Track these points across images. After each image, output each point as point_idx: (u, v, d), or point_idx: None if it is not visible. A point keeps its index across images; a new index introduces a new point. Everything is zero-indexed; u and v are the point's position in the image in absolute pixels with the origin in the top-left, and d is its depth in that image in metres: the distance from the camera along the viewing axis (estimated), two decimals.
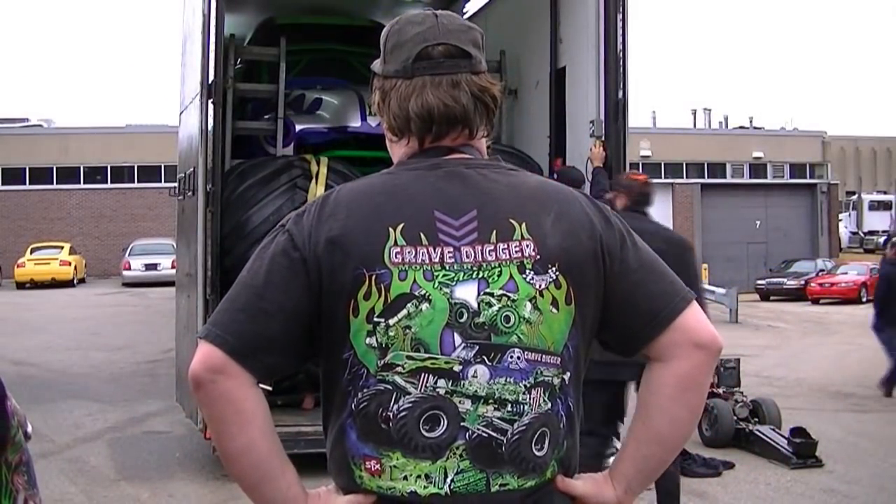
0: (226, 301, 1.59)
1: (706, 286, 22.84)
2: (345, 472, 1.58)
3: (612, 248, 1.61)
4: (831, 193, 40.97)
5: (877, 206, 42.39)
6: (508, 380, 1.54)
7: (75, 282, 30.11)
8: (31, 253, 30.21)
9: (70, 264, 30.12)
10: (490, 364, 1.53)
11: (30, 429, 1.92)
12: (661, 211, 37.75)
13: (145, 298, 23.24)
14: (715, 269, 32.42)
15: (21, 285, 29.05)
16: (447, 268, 1.53)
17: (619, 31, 7.08)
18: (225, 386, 1.52)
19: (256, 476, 1.56)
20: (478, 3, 10.28)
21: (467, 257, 1.54)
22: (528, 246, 1.55)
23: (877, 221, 41.54)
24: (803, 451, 7.14)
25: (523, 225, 1.56)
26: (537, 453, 1.56)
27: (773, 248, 36.77)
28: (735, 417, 7.70)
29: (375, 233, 1.53)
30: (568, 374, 1.59)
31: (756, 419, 7.79)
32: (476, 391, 1.53)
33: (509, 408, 1.54)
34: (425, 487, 1.53)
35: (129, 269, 29.07)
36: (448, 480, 1.53)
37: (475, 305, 1.53)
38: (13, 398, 1.84)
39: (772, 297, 28.88)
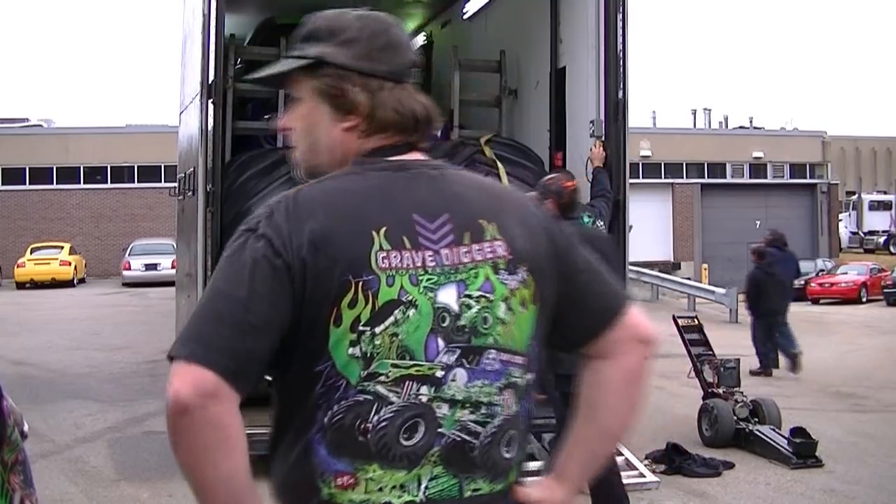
0: (205, 315, 1.46)
1: (707, 286, 22.90)
2: (308, 493, 1.50)
3: (564, 249, 1.65)
4: (831, 193, 40.96)
5: (877, 206, 42.33)
6: (484, 382, 1.53)
7: (75, 282, 30.07)
8: (31, 253, 30.18)
9: (70, 264, 30.09)
10: (468, 367, 1.52)
11: (26, 428, 1.91)
12: (661, 211, 37.92)
13: (145, 298, 23.21)
14: (715, 269, 32.45)
15: (21, 285, 29.03)
16: (429, 272, 1.51)
17: (619, 31, 7.07)
18: (215, 411, 1.40)
19: None
20: (478, 3, 10.28)
21: (447, 260, 1.53)
22: (499, 246, 1.56)
23: (877, 221, 41.49)
24: (803, 451, 7.14)
25: (493, 226, 1.57)
26: (506, 456, 1.56)
27: None
28: (735, 417, 7.69)
29: (359, 236, 1.49)
30: (531, 374, 1.60)
31: (756, 419, 7.78)
32: (454, 395, 1.51)
33: (483, 410, 1.53)
34: (399, 497, 1.49)
35: (129, 269, 29.03)
36: (422, 488, 1.50)
37: (456, 308, 1.52)
38: (9, 397, 1.83)
39: None
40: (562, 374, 5.77)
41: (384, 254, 1.49)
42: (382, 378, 1.48)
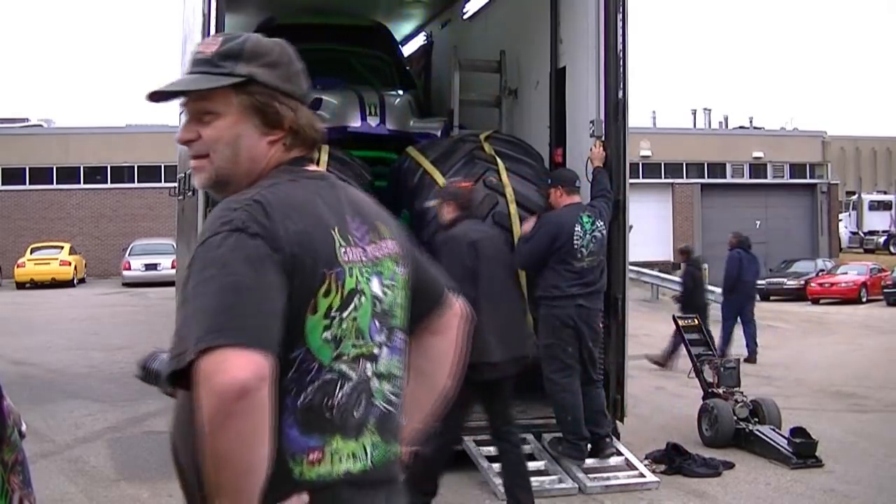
0: (226, 306, 1.51)
1: (706, 286, 22.84)
2: (281, 481, 1.57)
3: (413, 248, 1.95)
4: (831, 193, 40.94)
5: (877, 206, 42.26)
6: (397, 357, 1.81)
7: (75, 282, 30.04)
8: (31, 253, 30.14)
9: (70, 264, 30.05)
10: (389, 345, 1.78)
11: (24, 427, 1.91)
12: (661, 211, 37.91)
13: (145, 298, 23.20)
14: (715, 269, 32.31)
15: (21, 285, 29.00)
16: (365, 264, 1.75)
17: (619, 31, 7.07)
18: (264, 392, 1.49)
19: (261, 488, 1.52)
20: (478, 3, 10.29)
21: (370, 255, 1.77)
22: (393, 244, 1.84)
23: (877, 221, 41.42)
24: (803, 451, 7.14)
25: (385, 227, 1.85)
26: (402, 422, 1.83)
27: (773, 248, 36.71)
28: (735, 417, 7.70)
29: (325, 235, 1.69)
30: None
31: (756, 419, 7.78)
32: (381, 370, 1.75)
33: (397, 382, 1.80)
34: (354, 464, 1.67)
35: (129, 269, 28.99)
36: (368, 455, 1.70)
37: (381, 295, 1.77)
38: (8, 397, 1.83)
39: (772, 297, 28.78)
40: (542, 295, 6.59)
41: (344, 249, 1.71)
42: (345, 358, 1.68)
